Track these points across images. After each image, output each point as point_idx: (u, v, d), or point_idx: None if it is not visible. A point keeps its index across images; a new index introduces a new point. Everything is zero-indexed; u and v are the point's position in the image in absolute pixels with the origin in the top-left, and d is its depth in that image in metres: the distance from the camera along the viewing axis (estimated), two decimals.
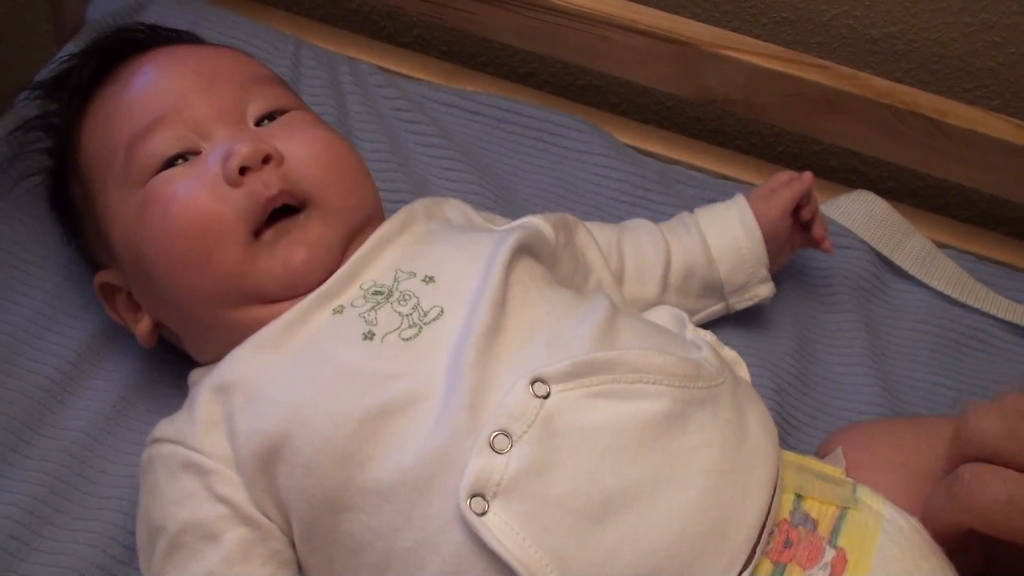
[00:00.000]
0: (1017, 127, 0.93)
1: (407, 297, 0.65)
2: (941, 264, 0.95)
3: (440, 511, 0.57)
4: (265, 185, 0.67)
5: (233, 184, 0.67)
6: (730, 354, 0.71)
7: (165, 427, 0.66)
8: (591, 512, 0.57)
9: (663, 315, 0.73)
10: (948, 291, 0.93)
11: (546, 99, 1.02)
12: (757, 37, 0.97)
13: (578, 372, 0.60)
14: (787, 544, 0.60)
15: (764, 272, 0.82)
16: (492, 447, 0.57)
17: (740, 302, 0.83)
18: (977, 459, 0.60)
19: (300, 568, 0.64)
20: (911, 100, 0.93)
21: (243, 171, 0.67)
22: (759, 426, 0.64)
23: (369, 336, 0.63)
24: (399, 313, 0.64)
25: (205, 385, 0.66)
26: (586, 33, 0.94)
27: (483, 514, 0.56)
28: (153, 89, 0.72)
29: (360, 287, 0.67)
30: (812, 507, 0.62)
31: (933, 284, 0.93)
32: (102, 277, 0.75)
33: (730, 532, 0.58)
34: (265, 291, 0.67)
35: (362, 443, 0.59)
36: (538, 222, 0.72)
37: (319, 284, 0.67)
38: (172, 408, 0.68)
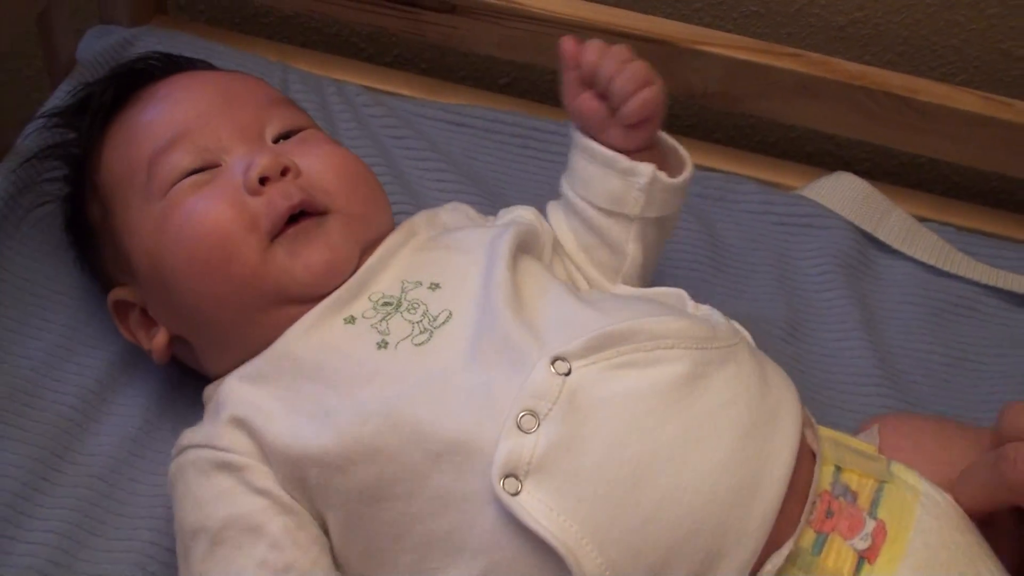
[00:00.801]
0: (984, 99, 0.95)
1: (416, 305, 0.66)
2: (923, 236, 0.96)
3: (475, 493, 0.58)
4: (284, 195, 0.68)
5: (253, 193, 0.68)
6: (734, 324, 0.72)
7: (190, 435, 0.67)
8: (623, 480, 0.58)
9: (663, 293, 0.74)
10: (932, 261, 0.95)
11: (529, 107, 1.03)
12: (729, 32, 0.99)
13: (597, 346, 0.61)
14: (829, 514, 0.61)
15: (624, 162, 0.75)
16: (520, 428, 0.59)
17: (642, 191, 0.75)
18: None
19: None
20: (882, 80, 0.95)
21: (263, 182, 0.69)
22: (778, 377, 0.66)
23: (383, 345, 0.65)
24: (409, 321, 0.65)
25: (228, 387, 0.67)
26: None
27: (517, 494, 0.57)
28: (175, 108, 0.73)
29: (369, 298, 0.68)
30: (851, 479, 0.63)
31: (917, 256, 0.95)
32: (116, 294, 0.76)
33: (763, 484, 0.59)
34: (288, 292, 0.68)
35: (388, 438, 0.61)
36: (529, 216, 0.75)
37: (335, 289, 0.68)
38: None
